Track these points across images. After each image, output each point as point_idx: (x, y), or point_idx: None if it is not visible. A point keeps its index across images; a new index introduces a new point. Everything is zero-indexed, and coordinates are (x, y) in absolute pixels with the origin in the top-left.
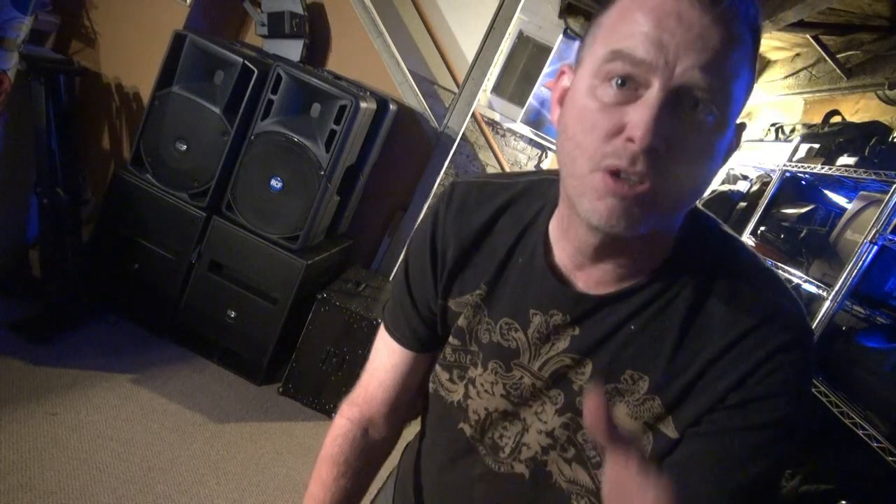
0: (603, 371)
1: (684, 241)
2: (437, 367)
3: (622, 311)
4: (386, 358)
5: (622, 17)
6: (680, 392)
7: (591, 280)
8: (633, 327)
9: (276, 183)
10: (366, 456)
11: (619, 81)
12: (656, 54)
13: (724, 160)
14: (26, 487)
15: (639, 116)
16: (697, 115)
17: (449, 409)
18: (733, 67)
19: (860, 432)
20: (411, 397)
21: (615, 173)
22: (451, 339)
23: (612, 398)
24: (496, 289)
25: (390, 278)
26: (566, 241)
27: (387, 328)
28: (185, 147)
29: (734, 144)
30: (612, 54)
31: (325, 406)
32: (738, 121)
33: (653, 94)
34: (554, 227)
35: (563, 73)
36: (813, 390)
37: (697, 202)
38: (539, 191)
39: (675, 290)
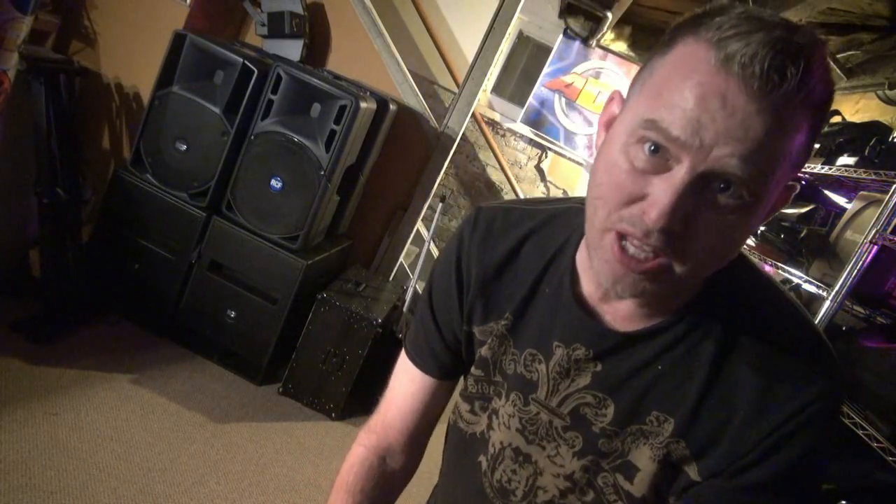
0: (625, 410)
1: (716, 279)
2: (459, 399)
3: (649, 351)
4: (406, 385)
5: (669, 80)
6: (707, 438)
7: (618, 315)
8: (660, 367)
9: (276, 183)
10: (381, 486)
11: (652, 148)
12: (692, 135)
13: (763, 221)
14: (26, 487)
15: (660, 195)
16: (726, 197)
17: (469, 441)
18: (776, 157)
19: (860, 432)
20: (430, 427)
21: (625, 242)
22: (473, 369)
23: (636, 439)
24: (522, 319)
25: (390, 278)
26: (592, 272)
27: (408, 354)
28: (185, 147)
29: (777, 206)
30: (649, 123)
31: (325, 406)
32: (789, 183)
33: (679, 175)
34: (581, 258)
35: (612, 99)
36: None
37: None
38: (565, 219)
39: (704, 330)
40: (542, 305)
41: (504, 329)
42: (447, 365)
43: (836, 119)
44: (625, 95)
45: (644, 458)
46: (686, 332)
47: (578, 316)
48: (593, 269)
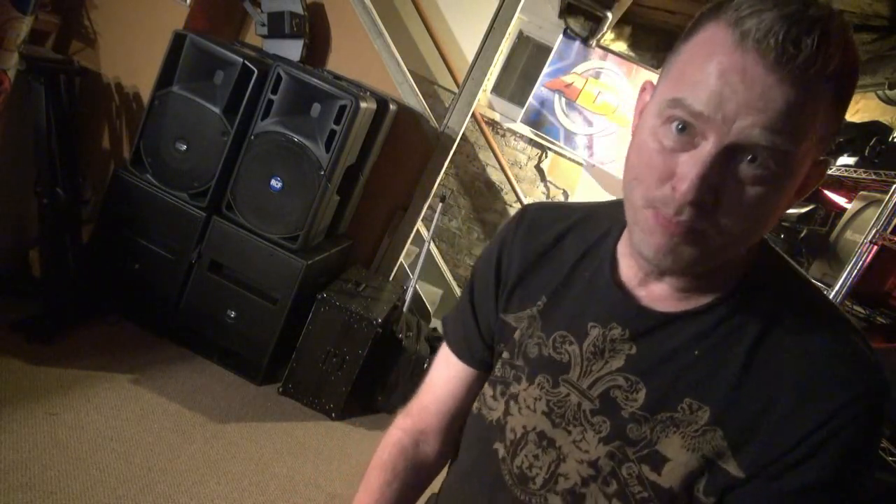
0: (658, 395)
1: (755, 268)
2: (486, 385)
3: (685, 333)
4: (443, 371)
5: (692, 62)
6: (745, 428)
7: (655, 296)
8: (696, 352)
9: (276, 183)
10: (414, 469)
11: (679, 126)
12: (714, 109)
13: (799, 197)
14: (26, 487)
15: (687, 170)
16: (754, 168)
17: (487, 428)
18: (799, 126)
19: None
20: (464, 416)
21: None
22: (503, 353)
23: (666, 428)
24: (556, 301)
25: (390, 278)
26: (632, 259)
27: (447, 342)
28: (185, 147)
29: (811, 182)
30: (674, 102)
31: (325, 406)
32: (820, 158)
33: (706, 149)
34: (622, 245)
35: (644, 88)
36: None
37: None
38: (608, 211)
39: (744, 317)
40: (579, 288)
41: (536, 311)
42: (482, 355)
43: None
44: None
45: (675, 447)
46: (725, 317)
47: (617, 296)
48: (634, 245)
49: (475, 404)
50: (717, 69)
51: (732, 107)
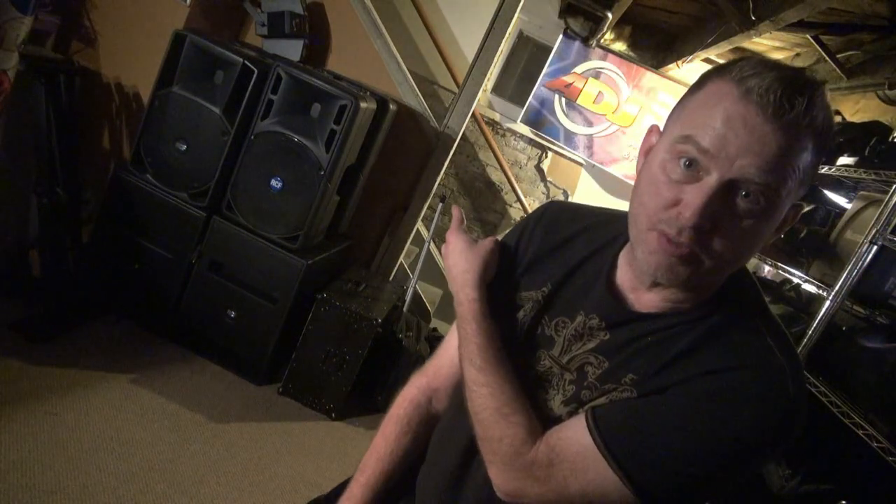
0: (612, 371)
1: (727, 289)
2: None
3: (648, 326)
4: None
5: (700, 108)
6: (655, 389)
7: (640, 302)
8: (650, 339)
9: (276, 183)
10: (426, 422)
11: (686, 163)
12: (718, 148)
13: (776, 234)
14: (26, 487)
15: (692, 198)
16: (745, 204)
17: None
18: (787, 169)
19: (860, 432)
20: None
21: (666, 236)
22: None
23: (605, 394)
24: (560, 290)
25: (390, 278)
26: (629, 267)
27: None
28: (185, 147)
29: (787, 221)
30: (684, 138)
31: (325, 406)
32: (796, 202)
33: (709, 182)
34: (624, 253)
35: (651, 131)
36: (813, 390)
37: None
38: (620, 223)
39: (700, 319)
40: (579, 283)
41: (541, 296)
42: None
43: (835, 119)
44: (661, 129)
45: (599, 402)
46: (683, 321)
47: (605, 296)
48: (637, 261)
49: None
50: (722, 115)
51: (734, 148)
